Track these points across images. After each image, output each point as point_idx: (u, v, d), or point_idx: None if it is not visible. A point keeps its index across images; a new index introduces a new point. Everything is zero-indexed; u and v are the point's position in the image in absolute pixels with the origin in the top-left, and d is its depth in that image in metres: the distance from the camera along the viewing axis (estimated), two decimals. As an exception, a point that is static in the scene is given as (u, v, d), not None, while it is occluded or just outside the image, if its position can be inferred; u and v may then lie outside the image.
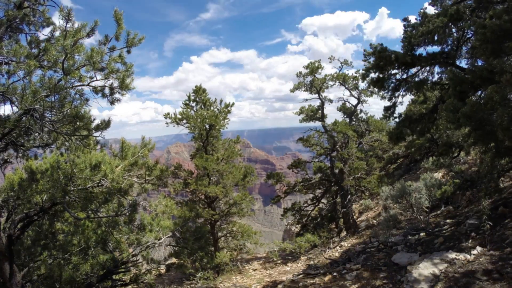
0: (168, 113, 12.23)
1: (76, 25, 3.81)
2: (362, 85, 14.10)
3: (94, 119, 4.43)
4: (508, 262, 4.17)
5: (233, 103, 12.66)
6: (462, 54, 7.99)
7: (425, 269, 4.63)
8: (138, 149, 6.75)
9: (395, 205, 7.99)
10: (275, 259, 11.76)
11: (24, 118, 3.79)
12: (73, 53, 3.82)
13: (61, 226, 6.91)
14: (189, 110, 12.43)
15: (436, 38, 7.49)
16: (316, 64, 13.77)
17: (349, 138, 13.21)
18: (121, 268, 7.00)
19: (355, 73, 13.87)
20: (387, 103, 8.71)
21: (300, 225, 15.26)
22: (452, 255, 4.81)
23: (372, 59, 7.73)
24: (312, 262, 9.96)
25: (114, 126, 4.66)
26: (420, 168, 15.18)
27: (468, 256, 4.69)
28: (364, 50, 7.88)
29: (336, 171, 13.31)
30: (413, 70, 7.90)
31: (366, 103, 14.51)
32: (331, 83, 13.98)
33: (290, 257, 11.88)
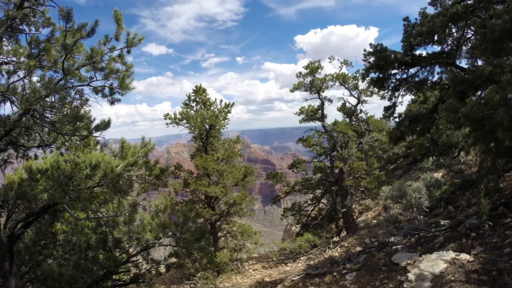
0: (168, 114, 12.25)
1: (76, 25, 3.81)
2: (362, 85, 14.12)
3: (94, 119, 4.43)
4: (508, 261, 4.17)
5: (233, 103, 12.67)
6: (462, 54, 7.98)
7: (425, 269, 4.63)
8: (138, 149, 6.74)
9: (395, 205, 7.99)
10: (275, 259, 11.77)
11: (24, 118, 3.79)
12: (73, 53, 3.82)
13: (61, 226, 6.91)
14: (189, 110, 12.44)
15: (436, 38, 7.49)
16: (316, 64, 13.78)
17: (349, 138, 13.22)
18: (121, 268, 6.99)
19: (355, 73, 13.89)
20: (387, 103, 8.71)
21: (300, 225, 15.27)
22: (452, 255, 4.80)
23: (372, 59, 7.73)
24: (312, 262, 9.97)
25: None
26: (420, 168, 15.18)
27: (468, 256, 4.69)
28: (364, 50, 7.88)
29: (336, 171, 13.32)
30: (413, 70, 7.90)
31: (366, 103, 14.52)
32: (331, 83, 14.00)
33: (290, 257, 11.88)
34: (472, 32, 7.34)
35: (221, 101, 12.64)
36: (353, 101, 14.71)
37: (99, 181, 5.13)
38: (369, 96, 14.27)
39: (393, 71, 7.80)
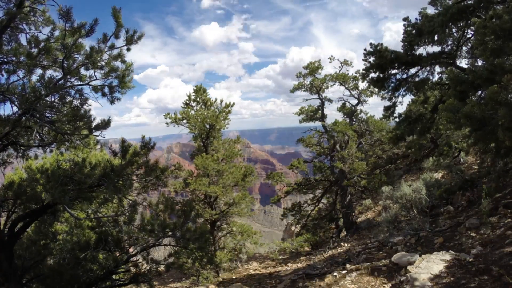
0: (168, 113, 12.24)
1: (75, 24, 3.80)
2: (362, 85, 14.12)
3: (94, 119, 4.42)
4: (508, 262, 4.16)
5: (233, 103, 12.65)
6: (462, 54, 7.99)
7: (425, 269, 4.63)
8: (138, 149, 6.72)
9: (395, 205, 7.99)
10: (275, 259, 11.76)
11: (24, 117, 3.78)
12: (72, 52, 3.82)
13: (61, 226, 6.90)
14: (189, 110, 12.42)
15: (436, 38, 7.49)
16: (316, 64, 13.78)
17: (349, 138, 13.22)
18: (121, 268, 6.98)
19: (355, 73, 13.89)
20: (387, 103, 8.72)
21: (300, 225, 15.26)
22: (452, 255, 4.80)
23: (372, 59, 7.72)
24: (312, 262, 9.96)
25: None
26: (420, 168, 15.17)
27: (468, 256, 4.69)
28: (365, 50, 7.87)
29: (336, 171, 13.32)
30: (413, 70, 7.90)
31: (366, 103, 14.52)
32: (331, 83, 14.00)
33: (290, 257, 11.87)
34: (472, 32, 7.34)
35: (221, 101, 12.63)
36: (353, 101, 14.73)
37: (99, 181, 5.11)
38: (369, 96, 14.27)
39: (393, 71, 7.80)
